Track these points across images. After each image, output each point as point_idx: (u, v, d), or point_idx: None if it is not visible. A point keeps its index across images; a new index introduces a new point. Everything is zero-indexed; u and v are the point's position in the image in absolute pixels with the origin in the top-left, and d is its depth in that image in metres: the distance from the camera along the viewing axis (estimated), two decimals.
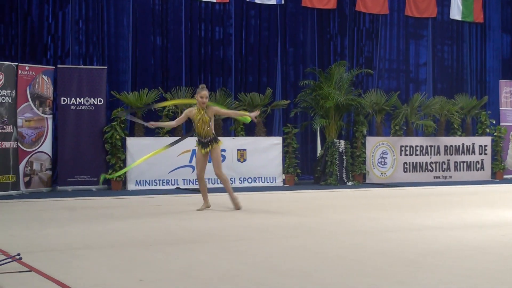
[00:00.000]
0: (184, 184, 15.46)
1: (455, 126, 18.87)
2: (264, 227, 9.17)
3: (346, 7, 19.43)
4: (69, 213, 11.01)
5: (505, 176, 19.08)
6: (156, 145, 14.73)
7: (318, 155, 17.82)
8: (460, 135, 18.83)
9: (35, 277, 5.78)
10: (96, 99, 15.24)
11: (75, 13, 16.41)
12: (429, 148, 18.11)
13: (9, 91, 14.02)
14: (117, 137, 15.13)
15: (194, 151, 15.38)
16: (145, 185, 15.23)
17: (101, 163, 15.21)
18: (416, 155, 17.97)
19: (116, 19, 16.88)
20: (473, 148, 18.64)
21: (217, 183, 15.63)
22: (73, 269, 6.13)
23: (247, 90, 17.55)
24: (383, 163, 17.58)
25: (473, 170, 18.64)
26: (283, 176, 16.61)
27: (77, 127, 15.13)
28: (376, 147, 17.51)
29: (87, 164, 15.06)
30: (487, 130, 19.27)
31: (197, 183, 15.45)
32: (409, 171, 17.89)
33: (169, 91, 16.20)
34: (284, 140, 16.75)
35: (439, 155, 18.20)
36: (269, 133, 17.34)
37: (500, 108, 19.64)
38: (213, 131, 10.89)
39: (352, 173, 17.22)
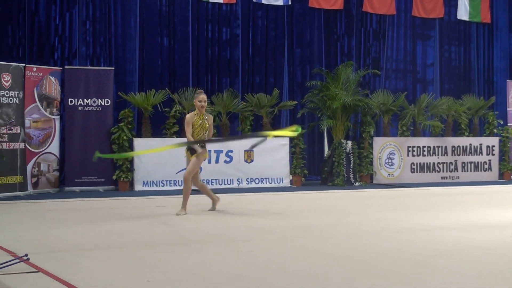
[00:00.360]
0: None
1: (463, 126, 18.84)
2: (271, 227, 9.16)
3: (353, 8, 19.42)
4: (76, 213, 11.02)
5: None
6: (163, 146, 14.78)
7: (325, 155, 17.81)
8: (468, 136, 18.79)
9: (42, 277, 5.79)
10: (103, 100, 15.26)
11: (82, 14, 16.44)
12: (436, 148, 18.08)
13: (16, 92, 14.05)
14: (124, 137, 15.14)
15: None
16: (152, 186, 15.24)
17: (108, 164, 15.23)
18: (424, 155, 17.94)
19: (123, 20, 16.91)
20: (481, 148, 18.60)
21: (224, 184, 15.68)
22: (81, 270, 6.14)
23: (254, 90, 17.55)
24: (390, 163, 17.56)
25: (481, 170, 18.60)
26: (290, 177, 16.60)
27: (85, 128, 15.15)
28: (383, 147, 17.49)
29: (94, 165, 15.02)
30: (495, 130, 19.23)
31: (202, 181, 15.65)
32: (417, 172, 17.86)
33: (176, 92, 16.21)
34: (291, 141, 16.74)
35: (447, 155, 18.17)
36: None
37: (508, 109, 19.60)
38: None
39: (359, 173, 17.20)
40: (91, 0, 16.54)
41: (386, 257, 6.78)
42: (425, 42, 20.50)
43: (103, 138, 15.23)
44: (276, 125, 17.52)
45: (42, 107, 14.64)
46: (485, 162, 18.65)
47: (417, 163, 17.87)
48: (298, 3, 18.70)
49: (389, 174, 17.55)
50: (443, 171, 18.16)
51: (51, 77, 14.82)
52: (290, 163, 16.59)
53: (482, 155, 18.61)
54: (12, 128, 13.77)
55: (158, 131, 15.60)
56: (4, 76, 13.83)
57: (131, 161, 15.18)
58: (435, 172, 18.06)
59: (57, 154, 14.97)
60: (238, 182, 15.90)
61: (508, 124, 19.34)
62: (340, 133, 17.20)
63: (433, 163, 18.04)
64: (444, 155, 18.14)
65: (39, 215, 10.75)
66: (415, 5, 20.09)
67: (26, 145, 14.24)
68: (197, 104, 10.67)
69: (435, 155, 18.06)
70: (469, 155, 18.45)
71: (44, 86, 14.65)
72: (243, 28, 18.10)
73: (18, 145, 13.99)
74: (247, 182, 15.96)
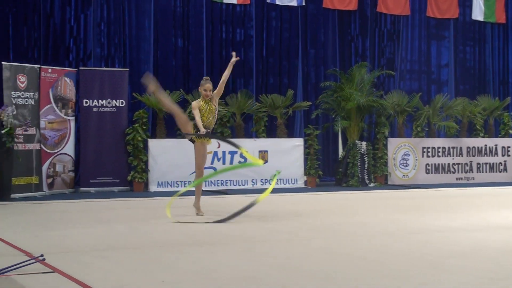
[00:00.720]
0: (205, 186, 15.47)
1: (478, 127, 18.77)
2: (285, 228, 9.16)
3: (367, 8, 19.39)
4: (91, 214, 11.06)
5: None
6: (178, 147, 14.84)
7: (339, 156, 17.79)
8: (483, 137, 18.72)
9: (58, 278, 5.81)
10: (118, 101, 15.31)
11: (97, 16, 16.51)
12: (451, 149, 18.02)
13: (32, 93, 14.11)
14: (139, 138, 15.18)
15: (216, 152, 15.49)
16: (167, 186, 15.26)
17: (123, 164, 15.28)
18: (438, 156, 17.89)
19: (137, 21, 16.96)
20: (496, 149, 18.53)
21: (239, 185, 15.68)
22: (96, 270, 6.16)
23: (268, 91, 17.55)
24: (405, 164, 17.52)
25: (496, 171, 18.52)
26: (305, 178, 16.59)
27: (99, 129, 15.20)
28: (398, 148, 17.45)
29: (109, 165, 15.13)
30: (510, 131, 19.14)
31: (217, 185, 15.65)
32: (431, 173, 17.81)
33: (190, 92, 16.23)
34: (305, 142, 16.73)
35: (462, 156, 18.12)
36: (290, 134, 17.34)
37: None
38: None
39: (374, 174, 17.17)
40: (105, 2, 16.60)
41: (401, 258, 6.77)
42: (439, 43, 20.45)
43: (118, 139, 15.28)
44: (290, 126, 17.54)
45: (58, 108, 14.70)
46: (500, 163, 18.58)
47: (432, 164, 17.83)
48: (312, 4, 18.70)
49: (403, 175, 17.51)
50: (458, 172, 18.09)
51: (66, 78, 14.88)
52: (304, 164, 16.58)
53: (497, 156, 18.53)
54: (28, 129, 13.83)
55: (172, 132, 15.62)
56: (19, 77, 13.90)
57: (145, 162, 15.22)
58: (450, 173, 18.01)
59: (72, 155, 15.03)
60: (253, 183, 15.90)
61: None
62: (355, 134, 17.18)
63: (448, 164, 17.99)
64: (459, 156, 18.09)
65: (55, 216, 10.80)
66: (429, 6, 20.03)
67: (42, 146, 14.30)
68: (202, 92, 10.67)
69: (450, 156, 18.01)
70: (484, 156, 18.38)
71: (59, 87, 14.71)
72: (257, 29, 18.11)
73: (33, 146, 14.06)
74: (262, 183, 15.95)
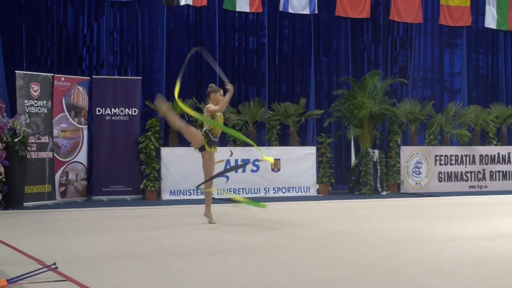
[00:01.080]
0: (217, 194, 15.47)
1: (491, 135, 18.72)
2: (298, 236, 9.16)
3: (380, 16, 19.37)
4: (104, 222, 11.08)
5: None
6: (190, 155, 14.80)
7: (352, 164, 17.76)
8: (496, 145, 18.66)
9: (70, 286, 5.82)
10: (130, 109, 15.35)
11: (110, 24, 16.55)
12: (464, 157, 17.97)
13: (45, 102, 14.17)
14: (152, 147, 15.21)
15: (228, 161, 15.49)
16: (179, 195, 15.28)
17: (135, 173, 15.31)
18: (451, 164, 17.84)
19: (150, 29, 17.00)
20: (509, 157, 18.46)
21: (251, 193, 15.67)
22: (108, 279, 6.17)
23: (280, 99, 17.55)
24: (417, 172, 17.48)
25: (509, 179, 18.44)
26: (317, 186, 16.57)
27: (112, 137, 15.24)
28: (411, 156, 17.42)
29: (122, 174, 15.16)
30: None
31: (229, 191, 15.63)
32: (444, 181, 17.76)
33: (203, 100, 16.23)
34: (318, 150, 16.72)
35: (474, 164, 18.06)
36: (303, 142, 17.32)
37: None
38: None
39: (387, 182, 17.14)
40: (118, 11, 16.65)
41: (413, 266, 6.75)
42: (452, 51, 20.39)
43: (131, 147, 15.31)
44: (303, 134, 17.52)
45: (70, 116, 14.75)
46: None
47: (444, 172, 17.78)
48: (324, 12, 18.69)
49: (416, 183, 17.47)
50: (471, 180, 18.04)
51: (79, 87, 14.93)
52: (317, 172, 16.57)
53: (510, 164, 18.46)
54: (41, 137, 13.87)
55: (185, 140, 15.61)
56: (32, 86, 13.96)
57: (158, 170, 15.24)
58: (463, 181, 17.95)
59: (85, 163, 15.07)
60: (265, 191, 15.90)
61: None
62: (367, 142, 17.15)
63: (461, 172, 17.94)
64: (472, 164, 18.03)
65: (67, 224, 10.82)
66: (442, 14, 19.99)
67: (55, 154, 14.35)
68: (217, 98, 10.81)
69: (463, 164, 17.96)
70: (497, 164, 18.32)
71: (72, 96, 14.76)
72: (269, 37, 18.11)
73: (46, 154, 14.10)
74: (274, 191, 15.95)
